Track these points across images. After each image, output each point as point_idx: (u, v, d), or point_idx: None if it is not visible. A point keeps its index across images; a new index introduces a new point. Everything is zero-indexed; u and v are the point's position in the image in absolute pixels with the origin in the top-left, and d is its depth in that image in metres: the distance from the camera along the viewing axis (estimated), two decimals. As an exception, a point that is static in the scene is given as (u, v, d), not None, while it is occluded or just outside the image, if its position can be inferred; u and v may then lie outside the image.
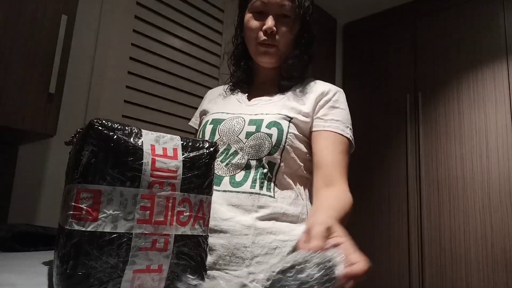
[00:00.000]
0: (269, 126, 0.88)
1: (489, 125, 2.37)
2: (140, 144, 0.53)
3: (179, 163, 0.55)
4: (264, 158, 0.88)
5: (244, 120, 0.91)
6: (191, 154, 0.57)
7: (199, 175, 0.57)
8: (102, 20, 1.81)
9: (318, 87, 0.99)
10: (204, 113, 1.07)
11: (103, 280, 0.48)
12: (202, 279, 0.56)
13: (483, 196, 2.31)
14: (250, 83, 1.05)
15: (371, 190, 2.83)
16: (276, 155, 0.88)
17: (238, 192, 0.87)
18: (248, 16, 0.97)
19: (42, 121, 1.24)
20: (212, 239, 0.83)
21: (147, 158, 0.53)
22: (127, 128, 0.54)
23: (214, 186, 0.89)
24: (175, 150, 0.56)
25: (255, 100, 0.99)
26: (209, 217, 0.60)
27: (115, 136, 0.52)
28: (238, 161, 0.89)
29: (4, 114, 1.16)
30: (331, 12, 3.13)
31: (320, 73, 2.93)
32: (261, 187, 0.87)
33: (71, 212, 0.48)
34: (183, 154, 0.56)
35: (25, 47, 1.22)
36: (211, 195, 0.60)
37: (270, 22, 0.92)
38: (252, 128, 0.89)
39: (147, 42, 1.96)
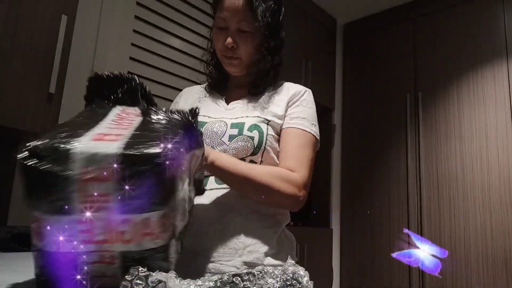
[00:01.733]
0: (250, 129, 0.94)
1: (489, 125, 2.37)
2: (69, 170, 0.51)
3: (112, 185, 0.51)
4: (246, 158, 0.94)
5: (226, 124, 0.97)
6: (129, 172, 0.51)
7: (140, 194, 0.51)
8: (102, 20, 1.81)
9: (290, 90, 1.04)
10: None
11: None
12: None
13: (483, 196, 2.31)
14: (225, 85, 1.11)
15: (371, 190, 2.83)
16: (258, 156, 0.94)
17: (224, 188, 0.93)
18: (214, 29, 1.03)
19: (42, 121, 1.24)
20: (205, 235, 0.89)
21: (76, 185, 0.51)
22: (61, 147, 0.51)
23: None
24: (108, 170, 0.51)
25: (233, 104, 1.04)
26: (172, 226, 0.56)
27: (42, 167, 0.51)
28: None
29: (4, 114, 1.16)
30: (331, 12, 3.13)
31: (320, 73, 2.93)
32: None
33: (32, 232, 0.53)
34: (119, 173, 0.51)
35: (25, 47, 1.22)
36: (160, 209, 0.53)
37: (229, 38, 0.97)
38: (235, 131, 0.95)
39: (147, 42, 1.96)
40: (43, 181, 0.51)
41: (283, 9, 1.06)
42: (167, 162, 0.52)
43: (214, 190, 0.93)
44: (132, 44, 1.91)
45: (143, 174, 0.51)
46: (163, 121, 0.61)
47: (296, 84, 1.08)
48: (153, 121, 0.61)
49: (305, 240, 2.47)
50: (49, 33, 1.27)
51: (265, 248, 0.90)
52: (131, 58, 1.90)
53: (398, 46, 2.90)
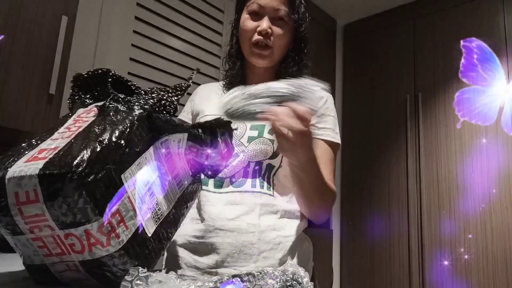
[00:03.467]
0: (271, 132, 0.91)
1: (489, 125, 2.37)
2: (3, 199, 0.53)
3: (42, 205, 0.51)
4: (264, 161, 0.92)
5: (246, 125, 0.95)
6: (50, 192, 0.51)
7: (65, 213, 0.52)
8: (102, 21, 1.81)
9: None
10: (197, 112, 1.08)
11: None
12: None
13: (483, 196, 2.31)
14: (243, 83, 1.05)
15: (371, 190, 2.83)
16: (277, 160, 0.92)
17: (240, 191, 0.90)
18: (244, 17, 0.99)
19: (42, 121, 1.24)
20: (220, 239, 0.87)
21: (14, 210, 0.53)
22: None
23: (216, 189, 0.90)
24: (35, 192, 0.51)
25: None
26: (114, 233, 0.55)
27: None
28: (239, 163, 0.92)
29: (4, 115, 1.16)
30: (331, 12, 3.13)
31: (320, 73, 2.93)
32: (261, 186, 0.91)
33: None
34: (43, 193, 0.51)
35: (25, 48, 1.22)
36: (95, 220, 0.53)
37: (265, 23, 0.94)
38: (254, 133, 0.92)
39: (147, 43, 1.96)
40: None
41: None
42: (85, 176, 0.51)
43: (229, 193, 0.91)
44: (132, 45, 1.91)
45: (63, 192, 0.50)
46: (112, 118, 0.60)
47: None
48: (102, 120, 0.60)
49: (305, 241, 2.47)
50: (49, 33, 1.27)
51: (280, 254, 0.88)
52: (131, 59, 1.90)
53: (398, 46, 2.90)
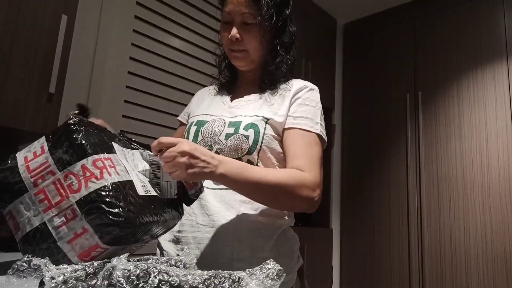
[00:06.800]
0: (246, 128, 0.93)
1: (489, 125, 2.37)
2: (14, 164, 0.67)
3: (46, 154, 0.66)
4: (243, 157, 0.92)
5: (225, 122, 0.97)
6: (53, 139, 0.67)
7: (66, 150, 0.65)
8: (102, 20, 1.81)
9: (294, 86, 1.02)
10: (189, 113, 1.13)
11: (50, 258, 0.60)
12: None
13: (483, 196, 2.31)
14: (235, 83, 1.12)
15: (371, 190, 2.83)
16: (254, 155, 0.93)
17: (222, 189, 0.92)
18: (220, 25, 1.04)
19: (42, 121, 1.24)
20: (200, 233, 0.91)
21: (22, 169, 0.66)
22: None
23: None
24: (42, 147, 0.67)
25: (236, 102, 1.04)
26: (107, 170, 0.66)
27: None
28: None
29: (4, 114, 1.16)
30: (331, 12, 3.13)
31: (320, 73, 2.93)
32: None
33: (13, 231, 0.68)
34: (48, 144, 0.67)
35: (25, 47, 1.22)
36: (91, 154, 0.66)
37: (233, 31, 0.98)
38: (231, 130, 0.94)
39: (147, 42, 1.96)
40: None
41: (291, 3, 1.06)
42: (76, 123, 0.69)
43: (211, 190, 0.92)
44: (132, 44, 1.90)
45: (67, 137, 0.66)
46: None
47: (303, 81, 1.05)
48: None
49: (305, 240, 2.47)
50: (49, 33, 1.27)
51: (258, 256, 0.87)
52: (131, 58, 1.89)
53: (398, 46, 2.90)
